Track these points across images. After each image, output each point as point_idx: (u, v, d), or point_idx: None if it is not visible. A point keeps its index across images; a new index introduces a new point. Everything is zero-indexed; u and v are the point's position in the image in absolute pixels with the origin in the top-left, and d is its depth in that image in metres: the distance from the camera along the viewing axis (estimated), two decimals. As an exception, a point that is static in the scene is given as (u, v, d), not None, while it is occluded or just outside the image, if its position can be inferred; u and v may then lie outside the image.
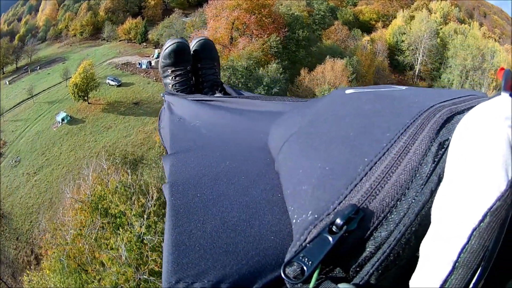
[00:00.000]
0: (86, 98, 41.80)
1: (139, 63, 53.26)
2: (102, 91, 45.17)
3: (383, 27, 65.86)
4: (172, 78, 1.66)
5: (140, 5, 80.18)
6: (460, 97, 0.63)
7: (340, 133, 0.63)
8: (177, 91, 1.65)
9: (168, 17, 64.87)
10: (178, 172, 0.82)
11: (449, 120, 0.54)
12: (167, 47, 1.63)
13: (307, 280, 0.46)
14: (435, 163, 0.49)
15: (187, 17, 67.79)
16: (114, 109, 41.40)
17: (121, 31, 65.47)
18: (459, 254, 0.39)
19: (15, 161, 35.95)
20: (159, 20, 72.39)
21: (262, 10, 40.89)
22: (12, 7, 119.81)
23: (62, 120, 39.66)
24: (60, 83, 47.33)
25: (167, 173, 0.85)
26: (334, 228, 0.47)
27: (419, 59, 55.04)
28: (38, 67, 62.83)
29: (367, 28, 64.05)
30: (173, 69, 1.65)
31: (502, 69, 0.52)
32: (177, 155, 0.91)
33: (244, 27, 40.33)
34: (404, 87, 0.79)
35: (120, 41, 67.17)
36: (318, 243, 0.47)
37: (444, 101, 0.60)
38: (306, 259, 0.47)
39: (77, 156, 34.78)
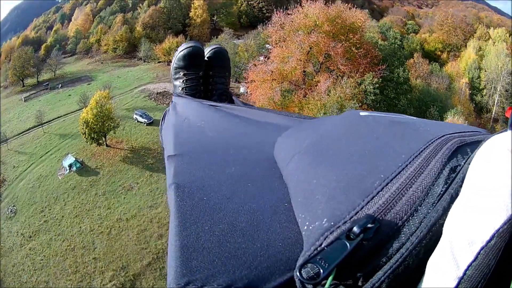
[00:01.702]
0: (100, 142, 32.95)
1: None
2: (128, 128, 36.75)
3: (448, 57, 59.63)
4: (183, 81, 1.65)
5: (184, 22, 71.17)
6: (467, 131, 0.66)
7: (356, 151, 0.66)
8: (186, 95, 1.62)
9: (216, 37, 55.17)
10: (183, 174, 0.83)
11: (460, 149, 0.58)
12: (182, 50, 1.63)
13: (322, 282, 0.47)
14: (447, 184, 0.53)
15: (239, 39, 58.16)
16: (139, 160, 31.83)
17: (160, 51, 55.71)
18: (465, 270, 0.41)
19: (11, 211, 28.09)
20: (206, 41, 62.34)
21: (352, 36, 27.20)
22: (45, 14, 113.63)
23: (70, 167, 30.75)
24: (76, 111, 38.60)
25: (171, 174, 0.84)
26: (351, 235, 0.49)
27: (496, 99, 48.56)
28: (60, 84, 54.47)
29: (433, 58, 56.69)
30: (185, 72, 1.64)
31: (510, 108, 0.60)
32: (182, 157, 0.92)
33: (326, 59, 27.58)
34: (415, 118, 0.82)
35: (158, 62, 57.67)
36: (335, 247, 0.49)
37: (453, 133, 0.64)
38: (323, 261, 0.48)
39: (82, 228, 25.03)
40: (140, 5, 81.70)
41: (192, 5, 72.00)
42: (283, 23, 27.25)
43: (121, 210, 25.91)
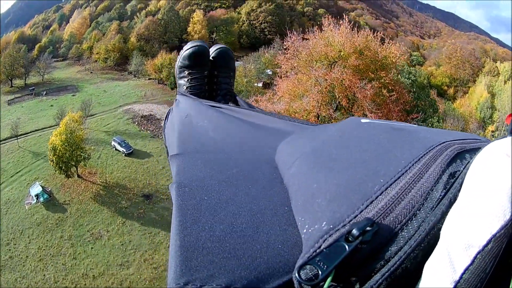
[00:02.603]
0: (69, 174, 29.17)
1: (165, 122, 40.11)
2: (104, 156, 33.92)
3: (454, 93, 58.73)
4: (187, 80, 1.65)
5: (181, 37, 69.91)
6: (467, 139, 0.68)
7: (356, 156, 0.68)
8: (190, 94, 1.64)
9: None
10: (185, 173, 0.84)
11: (459, 155, 0.59)
12: (188, 49, 1.62)
13: (320, 283, 0.48)
14: (446, 190, 0.54)
15: (237, 60, 56.48)
16: (112, 201, 27.88)
17: (151, 67, 54.13)
18: (462, 274, 0.42)
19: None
20: None
21: (383, 75, 19.35)
22: (46, 11, 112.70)
23: (37, 197, 27.40)
24: (52, 127, 36.20)
25: (174, 173, 0.87)
26: (350, 238, 0.50)
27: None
28: (45, 91, 53.43)
29: (439, 93, 55.24)
30: (190, 71, 1.65)
31: (510, 115, 0.62)
32: (185, 156, 0.94)
33: (349, 102, 20.56)
34: (415, 126, 0.84)
35: (149, 79, 56.36)
36: (334, 249, 0.50)
37: (453, 140, 0.65)
38: (321, 263, 0.49)
39: (46, 277, 21.87)
40: (138, 14, 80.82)
41: (191, 19, 71.34)
42: (297, 50, 20.12)
43: (87, 264, 22.56)
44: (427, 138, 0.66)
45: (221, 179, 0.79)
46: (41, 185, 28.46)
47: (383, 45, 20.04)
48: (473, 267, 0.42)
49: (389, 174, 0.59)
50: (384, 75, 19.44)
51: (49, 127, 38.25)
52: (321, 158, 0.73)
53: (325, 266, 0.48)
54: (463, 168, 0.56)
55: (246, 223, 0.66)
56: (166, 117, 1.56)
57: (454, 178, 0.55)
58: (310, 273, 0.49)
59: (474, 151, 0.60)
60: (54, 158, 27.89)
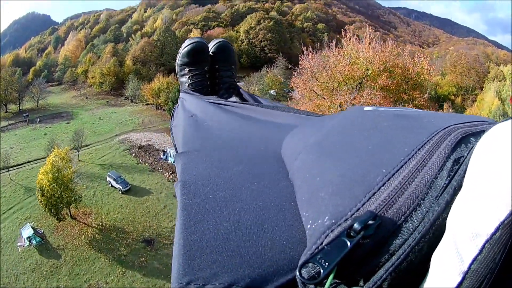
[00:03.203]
0: (59, 217, 26.84)
1: (164, 153, 38.26)
2: (99, 193, 31.31)
3: (461, 102, 57.14)
4: (188, 77, 1.67)
5: (179, 59, 68.29)
6: (472, 121, 0.67)
7: (359, 146, 0.67)
8: (192, 91, 1.67)
9: None
10: (190, 172, 0.84)
11: (464, 140, 0.58)
12: (186, 46, 1.64)
13: (323, 281, 0.48)
14: (450, 177, 0.52)
15: (239, 82, 55.54)
16: (109, 247, 25.36)
17: (148, 92, 52.12)
18: (470, 265, 0.41)
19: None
20: None
21: (417, 96, 16.61)
22: (42, 33, 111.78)
23: (29, 239, 25.30)
24: (44, 158, 34.01)
25: (179, 172, 0.87)
26: (351, 233, 0.49)
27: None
28: (39, 118, 52.14)
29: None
30: (190, 68, 1.67)
31: None
32: (190, 154, 0.95)
33: None
34: (419, 110, 0.83)
35: (146, 105, 54.69)
36: (335, 245, 0.49)
37: (457, 124, 0.64)
38: (323, 260, 0.49)
39: None
40: (133, 35, 79.87)
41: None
42: (313, 69, 16.99)
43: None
44: (431, 123, 0.65)
45: (226, 176, 0.80)
46: (32, 227, 26.34)
47: (412, 59, 16.90)
48: (482, 256, 0.40)
49: (391, 163, 0.58)
50: (418, 95, 16.67)
51: (41, 158, 36.66)
52: (324, 150, 0.72)
53: (327, 264, 0.48)
54: (468, 154, 0.54)
55: (251, 220, 0.66)
56: (172, 116, 1.53)
57: (459, 165, 0.54)
58: (313, 271, 0.49)
59: (480, 134, 0.57)
60: (42, 200, 25.92)
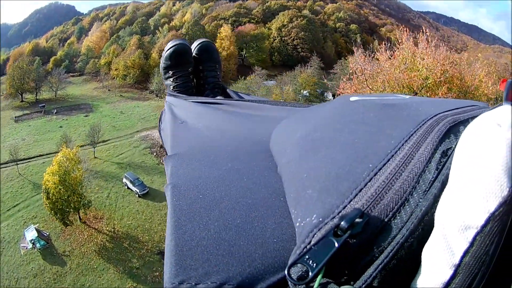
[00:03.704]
0: (66, 222, 24.07)
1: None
2: (113, 195, 28.38)
3: None
4: (173, 79, 1.69)
5: (207, 52, 64.23)
6: (463, 107, 0.66)
7: (345, 139, 0.66)
8: (177, 93, 1.67)
9: (245, 78, 47.56)
10: (179, 174, 0.84)
11: (452, 129, 0.57)
12: (168, 49, 1.66)
13: (311, 282, 0.47)
14: (439, 170, 0.52)
15: (271, 80, 51.23)
16: (120, 257, 22.46)
17: (174, 86, 47.95)
18: (461, 258, 0.40)
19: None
20: (232, 79, 55.54)
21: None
22: (65, 23, 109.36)
23: (32, 243, 22.98)
24: (55, 153, 30.15)
25: (169, 175, 0.87)
26: (339, 232, 0.49)
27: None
28: (56, 110, 48.52)
29: None
30: (174, 70, 1.68)
31: (505, 80, 0.56)
32: (179, 156, 0.95)
33: None
34: (407, 96, 0.84)
35: (172, 99, 50.77)
36: (323, 245, 0.49)
37: (447, 111, 0.63)
38: (311, 261, 0.48)
39: None
40: (160, 28, 76.36)
41: (218, 35, 66.29)
42: (365, 74, 15.12)
43: None
44: (419, 111, 0.64)
45: (216, 176, 0.80)
46: (36, 229, 23.82)
47: (469, 69, 14.96)
48: (473, 249, 0.40)
49: (378, 157, 0.57)
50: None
51: (54, 152, 32.71)
52: (311, 145, 0.72)
53: (315, 264, 0.47)
54: (455, 145, 0.53)
55: (241, 219, 0.65)
56: (160, 119, 1.55)
57: (447, 157, 0.53)
58: (301, 271, 0.48)
59: (469, 120, 0.57)
60: (47, 202, 23.33)
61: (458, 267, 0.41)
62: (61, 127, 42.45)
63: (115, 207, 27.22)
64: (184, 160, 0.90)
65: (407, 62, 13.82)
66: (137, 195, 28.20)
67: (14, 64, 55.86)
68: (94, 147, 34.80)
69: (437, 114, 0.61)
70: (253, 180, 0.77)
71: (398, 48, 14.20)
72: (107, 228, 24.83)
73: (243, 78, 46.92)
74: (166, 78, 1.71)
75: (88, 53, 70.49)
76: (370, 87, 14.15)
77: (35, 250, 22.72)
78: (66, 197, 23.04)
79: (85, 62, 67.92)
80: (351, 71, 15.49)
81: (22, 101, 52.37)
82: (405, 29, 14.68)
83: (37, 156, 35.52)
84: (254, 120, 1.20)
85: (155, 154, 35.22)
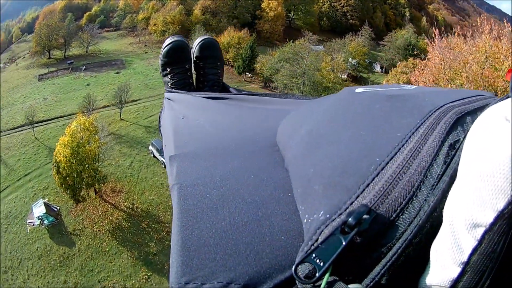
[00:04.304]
0: (77, 197, 21.49)
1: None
2: (137, 164, 25.55)
3: None
4: (170, 76, 1.66)
5: (254, 13, 57.93)
6: (469, 97, 0.65)
7: (351, 133, 0.65)
8: (175, 89, 1.64)
9: (293, 41, 40.99)
10: (186, 173, 0.83)
11: (460, 120, 0.56)
12: (166, 46, 1.64)
13: (319, 280, 0.46)
14: (447, 164, 0.51)
15: (319, 45, 46.14)
16: (137, 240, 20.00)
17: (216, 46, 42.45)
18: (470, 256, 0.40)
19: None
20: (279, 40, 50.98)
21: None
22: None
23: (40, 219, 20.74)
24: (74, 114, 27.61)
25: (174, 174, 0.86)
26: (346, 228, 0.48)
27: None
28: (84, 66, 43.80)
29: None
30: (172, 67, 1.65)
31: (511, 70, 0.56)
32: (184, 156, 0.93)
33: None
34: (413, 86, 0.83)
35: (213, 58, 45.43)
36: (330, 243, 0.48)
37: (453, 101, 0.62)
38: (318, 259, 0.47)
39: None
40: (204, -16, 69.67)
41: (267, -6, 58.88)
42: (444, 64, 12.76)
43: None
44: (425, 102, 0.63)
45: (223, 174, 0.79)
46: (45, 203, 21.71)
47: None
48: (482, 247, 0.39)
49: (385, 150, 0.56)
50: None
51: (74, 114, 29.18)
52: (316, 139, 0.71)
53: (322, 263, 0.47)
54: (464, 137, 0.52)
55: (249, 217, 0.65)
56: (160, 116, 1.53)
57: (455, 150, 0.52)
58: (309, 269, 0.48)
59: (476, 112, 0.56)
60: (57, 178, 20.67)
61: (466, 265, 0.40)
62: (88, 84, 38.65)
63: (137, 179, 24.47)
64: (189, 159, 0.89)
65: (490, 59, 11.89)
66: (163, 166, 24.32)
67: (43, 22, 52.21)
68: (121, 108, 31.72)
69: (444, 105, 0.59)
70: (260, 177, 0.76)
71: (479, 39, 12.47)
72: (125, 204, 22.28)
73: (291, 41, 40.91)
74: (164, 75, 1.67)
75: (125, 8, 65.56)
76: (450, 79, 12.17)
77: (43, 227, 20.64)
78: (78, 172, 20.42)
79: (122, 17, 63.32)
80: (429, 56, 13.92)
81: (49, 58, 48.44)
82: (485, 18, 13.06)
83: (57, 118, 32.67)
84: (258, 114, 1.17)
85: (188, 118, 30.89)
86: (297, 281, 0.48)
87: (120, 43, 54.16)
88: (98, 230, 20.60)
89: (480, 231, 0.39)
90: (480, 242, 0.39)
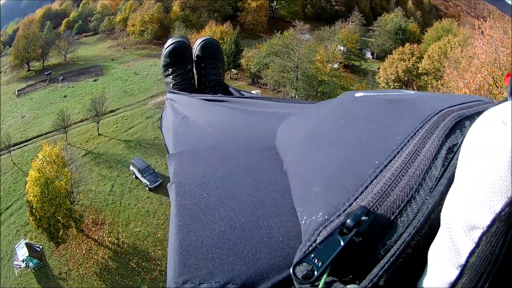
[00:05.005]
0: (56, 240, 19.86)
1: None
2: (118, 188, 23.70)
3: None
4: (172, 77, 1.66)
5: (235, 5, 55.79)
6: (468, 102, 0.65)
7: (351, 136, 0.66)
8: (177, 90, 1.65)
9: (281, 32, 39.32)
10: (184, 172, 0.84)
11: (458, 125, 0.56)
12: (167, 46, 1.64)
13: (317, 281, 0.47)
14: (445, 167, 0.51)
15: (308, 34, 43.15)
16: (126, 283, 18.13)
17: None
18: (467, 258, 0.40)
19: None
20: (262, 32, 49.62)
21: None
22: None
23: (25, 263, 19.53)
24: (52, 132, 27.18)
25: (172, 173, 0.87)
26: (344, 230, 0.48)
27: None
28: (62, 76, 42.34)
29: None
30: (174, 68, 1.66)
31: (509, 75, 0.56)
32: (182, 154, 0.95)
33: None
34: (412, 92, 0.83)
35: (196, 57, 44.20)
36: (328, 244, 0.48)
37: (452, 106, 0.62)
38: (316, 259, 0.48)
39: None
40: (182, -21, 67.77)
41: (249, -15, 57.04)
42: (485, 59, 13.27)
43: None
44: (424, 106, 0.64)
45: (221, 174, 0.79)
46: (27, 244, 20.35)
47: None
48: (479, 250, 0.39)
49: (384, 153, 0.56)
50: None
51: (51, 132, 29.07)
52: (316, 142, 0.72)
53: (320, 263, 0.47)
54: (461, 141, 0.53)
55: (246, 218, 0.65)
56: (161, 117, 1.54)
57: (453, 153, 0.52)
58: (307, 270, 0.48)
59: (475, 116, 0.56)
60: (31, 219, 19.73)
61: (464, 267, 0.40)
62: (65, 96, 37.64)
63: (120, 207, 22.55)
64: (188, 158, 0.90)
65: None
66: (147, 188, 23.56)
67: (20, 34, 50.56)
68: (98, 122, 30.13)
69: (442, 110, 0.60)
70: (258, 178, 0.76)
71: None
72: (109, 239, 20.52)
73: (279, 32, 39.10)
74: (166, 76, 1.68)
75: (103, 10, 63.47)
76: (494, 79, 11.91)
77: (29, 270, 19.68)
78: (51, 213, 19.18)
79: (99, 20, 61.25)
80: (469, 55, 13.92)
81: (28, 70, 46.79)
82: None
83: (34, 137, 31.24)
84: (258, 117, 1.17)
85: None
86: (295, 281, 0.48)
87: (98, 48, 52.73)
88: (85, 273, 19.22)
89: (477, 233, 0.39)
90: (477, 244, 0.39)
